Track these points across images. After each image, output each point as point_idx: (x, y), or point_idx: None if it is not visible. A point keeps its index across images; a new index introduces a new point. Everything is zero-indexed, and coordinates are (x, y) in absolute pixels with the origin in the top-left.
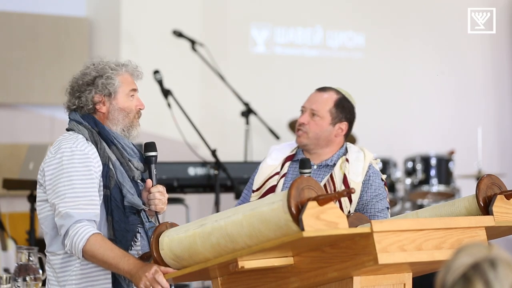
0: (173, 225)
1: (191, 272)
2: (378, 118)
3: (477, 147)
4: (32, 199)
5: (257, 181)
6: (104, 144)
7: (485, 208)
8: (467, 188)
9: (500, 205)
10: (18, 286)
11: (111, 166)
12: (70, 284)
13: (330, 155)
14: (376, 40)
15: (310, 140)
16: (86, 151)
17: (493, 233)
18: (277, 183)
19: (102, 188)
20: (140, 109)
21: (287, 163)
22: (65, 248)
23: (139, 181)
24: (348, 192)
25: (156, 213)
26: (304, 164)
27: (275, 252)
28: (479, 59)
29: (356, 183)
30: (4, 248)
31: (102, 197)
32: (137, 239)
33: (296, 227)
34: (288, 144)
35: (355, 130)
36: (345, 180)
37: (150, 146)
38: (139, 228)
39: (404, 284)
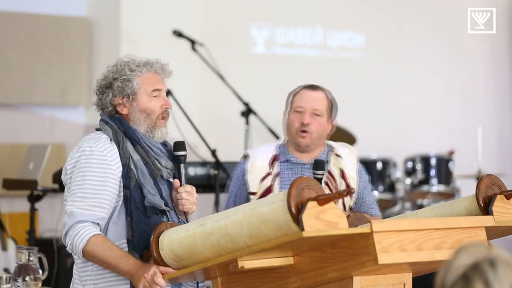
0: (173, 225)
1: (191, 272)
2: (378, 118)
3: (477, 147)
4: (32, 199)
5: (253, 182)
6: (128, 143)
7: (485, 208)
8: (467, 188)
9: (500, 205)
10: (18, 286)
11: (132, 166)
12: (89, 284)
13: (318, 152)
14: (376, 40)
15: (313, 140)
16: (105, 152)
17: (493, 233)
18: (273, 183)
19: (122, 188)
20: (166, 108)
21: (276, 163)
22: (66, 247)
23: (170, 179)
24: (348, 192)
25: (185, 213)
26: (318, 165)
27: (275, 252)
28: (479, 59)
29: (353, 177)
30: (4, 248)
31: (122, 197)
32: None
33: (296, 227)
34: (269, 145)
35: (355, 130)
36: (343, 176)
37: (180, 145)
38: None
39: (404, 284)
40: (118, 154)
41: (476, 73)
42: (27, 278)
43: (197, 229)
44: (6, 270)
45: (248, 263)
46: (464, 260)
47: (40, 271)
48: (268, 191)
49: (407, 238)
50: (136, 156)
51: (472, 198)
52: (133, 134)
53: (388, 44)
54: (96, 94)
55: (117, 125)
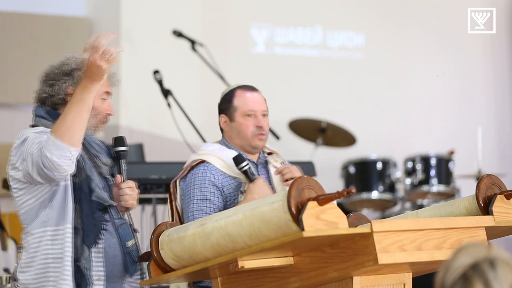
0: (173, 224)
1: (191, 272)
2: (378, 118)
3: (477, 147)
4: None
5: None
6: None
7: (485, 208)
8: (467, 188)
9: (500, 205)
10: (18, 286)
11: (80, 158)
12: (38, 266)
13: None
14: (376, 40)
15: (266, 141)
16: None
17: (493, 233)
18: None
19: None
20: (109, 114)
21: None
22: (30, 170)
23: (108, 176)
24: (348, 191)
25: (127, 209)
26: (237, 159)
27: (275, 252)
28: (479, 59)
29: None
30: (4, 248)
31: (69, 182)
32: (103, 236)
33: (296, 227)
34: (219, 148)
35: (355, 130)
36: None
37: (120, 140)
38: (105, 225)
39: (404, 284)
40: None
41: (476, 73)
42: None
43: (197, 229)
44: (6, 270)
45: (248, 263)
46: (463, 260)
47: None
48: None
49: (407, 238)
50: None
51: (472, 198)
52: None
53: (388, 44)
54: (43, 82)
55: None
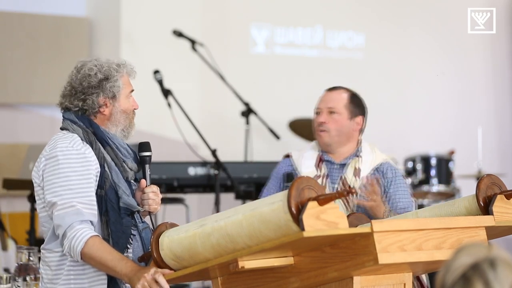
0: (173, 225)
1: (191, 272)
2: (378, 118)
3: (477, 147)
4: (32, 199)
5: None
6: (99, 144)
7: (485, 208)
8: (467, 188)
9: (500, 205)
10: (18, 286)
11: (106, 167)
12: (62, 284)
13: (349, 153)
14: (376, 40)
15: (332, 138)
16: (82, 150)
17: (493, 233)
18: (323, 185)
19: (96, 188)
20: (135, 109)
21: (322, 164)
22: (63, 250)
23: (132, 181)
24: (348, 191)
25: (150, 213)
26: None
27: (275, 252)
28: (479, 59)
29: (364, 178)
30: (4, 248)
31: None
32: (132, 241)
33: (296, 227)
34: (310, 149)
35: None
36: (358, 174)
37: (145, 146)
38: (134, 230)
39: (404, 284)
40: (93, 153)
41: (476, 73)
42: (27, 278)
43: (197, 229)
44: (6, 270)
45: (248, 263)
46: (464, 260)
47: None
48: None
49: (407, 238)
50: (108, 157)
51: (472, 198)
52: (102, 135)
53: (388, 44)
54: (71, 95)
55: (86, 125)
